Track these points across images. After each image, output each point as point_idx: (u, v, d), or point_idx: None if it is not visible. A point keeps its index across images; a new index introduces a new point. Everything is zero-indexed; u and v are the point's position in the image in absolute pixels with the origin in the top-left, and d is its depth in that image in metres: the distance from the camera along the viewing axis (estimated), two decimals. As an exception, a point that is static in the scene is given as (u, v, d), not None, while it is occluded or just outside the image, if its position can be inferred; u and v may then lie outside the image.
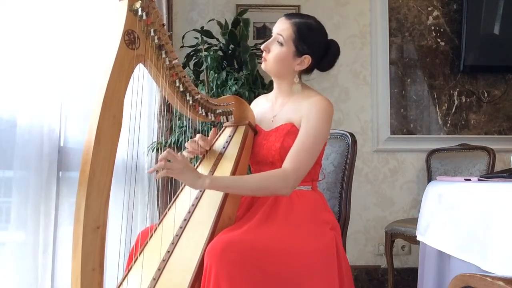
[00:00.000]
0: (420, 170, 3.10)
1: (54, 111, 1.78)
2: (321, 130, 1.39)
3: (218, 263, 1.09)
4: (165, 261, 1.18)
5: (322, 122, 1.39)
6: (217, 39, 2.68)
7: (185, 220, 1.28)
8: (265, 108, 1.58)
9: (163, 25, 1.13)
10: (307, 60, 1.44)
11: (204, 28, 2.64)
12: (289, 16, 1.46)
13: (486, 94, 3.17)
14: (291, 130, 1.42)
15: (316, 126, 1.38)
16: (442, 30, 3.16)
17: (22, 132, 1.64)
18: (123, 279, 1.21)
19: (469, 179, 1.47)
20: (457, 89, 3.16)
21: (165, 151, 1.20)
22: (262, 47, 1.46)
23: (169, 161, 1.19)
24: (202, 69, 2.53)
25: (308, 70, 1.50)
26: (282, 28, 1.43)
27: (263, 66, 1.49)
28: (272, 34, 1.47)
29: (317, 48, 1.46)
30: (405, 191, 3.10)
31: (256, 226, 1.26)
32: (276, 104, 1.54)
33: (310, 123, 1.39)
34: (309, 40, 1.43)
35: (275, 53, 1.43)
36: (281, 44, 1.42)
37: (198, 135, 1.48)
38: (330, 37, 1.50)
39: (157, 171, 1.19)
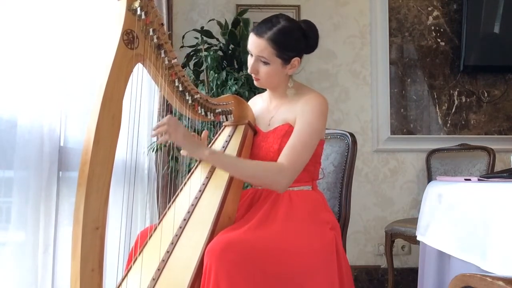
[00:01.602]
0: (420, 170, 3.09)
1: (54, 111, 1.78)
2: (316, 125, 1.39)
3: (217, 263, 1.09)
4: (164, 261, 1.18)
5: (317, 117, 1.39)
6: (217, 39, 2.68)
7: (184, 220, 1.28)
8: (261, 108, 1.58)
9: (162, 24, 1.13)
10: (296, 61, 1.44)
11: (204, 28, 2.64)
12: (258, 32, 1.39)
13: (486, 94, 3.17)
14: (288, 131, 1.42)
15: (310, 121, 1.38)
16: (442, 30, 3.16)
17: (22, 132, 1.64)
18: (123, 279, 1.21)
19: (469, 179, 1.47)
20: (457, 89, 3.15)
21: (167, 116, 1.23)
22: (249, 71, 1.44)
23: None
24: (202, 69, 2.53)
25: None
26: (259, 49, 1.38)
27: (257, 84, 1.48)
28: (249, 52, 1.43)
29: (299, 45, 1.44)
30: (405, 191, 3.10)
31: (256, 226, 1.26)
32: (271, 106, 1.54)
33: (304, 119, 1.39)
34: (290, 45, 1.41)
35: (265, 72, 1.42)
36: (267, 63, 1.40)
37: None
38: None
39: (157, 137, 1.23)
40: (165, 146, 2.30)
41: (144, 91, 2.26)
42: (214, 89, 2.42)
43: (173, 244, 1.22)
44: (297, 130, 1.38)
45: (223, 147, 1.46)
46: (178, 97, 1.29)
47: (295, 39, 1.42)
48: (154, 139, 2.46)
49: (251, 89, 2.42)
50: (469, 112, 3.15)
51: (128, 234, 1.48)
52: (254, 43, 1.40)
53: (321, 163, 1.55)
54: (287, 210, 1.35)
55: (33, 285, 1.65)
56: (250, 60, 1.43)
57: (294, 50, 1.42)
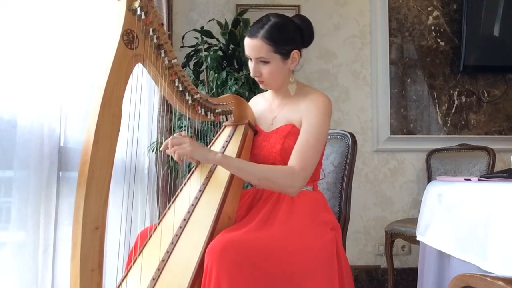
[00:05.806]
0: (420, 170, 3.09)
1: (54, 111, 1.78)
2: (323, 126, 1.39)
3: (218, 263, 1.09)
4: (164, 261, 1.18)
5: (323, 118, 1.40)
6: (217, 39, 2.68)
7: (184, 220, 1.28)
8: (263, 108, 1.58)
9: (162, 24, 1.13)
10: (296, 54, 1.44)
11: (204, 28, 2.64)
12: (251, 34, 1.40)
13: (486, 94, 3.17)
14: (291, 131, 1.42)
15: (317, 123, 1.39)
16: (442, 30, 3.16)
17: (23, 132, 1.64)
18: (123, 279, 1.21)
19: (469, 179, 1.47)
20: (457, 89, 3.15)
21: (170, 138, 1.29)
22: (252, 74, 1.44)
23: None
24: (202, 69, 2.53)
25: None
26: (256, 50, 1.39)
27: (262, 86, 1.49)
28: (248, 57, 1.44)
29: (295, 38, 1.43)
30: (405, 191, 3.10)
31: (257, 226, 1.26)
32: (274, 105, 1.54)
33: (311, 120, 1.39)
34: (285, 38, 1.40)
35: (267, 72, 1.42)
36: (267, 62, 1.40)
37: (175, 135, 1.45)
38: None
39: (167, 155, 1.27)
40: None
41: (144, 91, 2.26)
42: (214, 89, 2.43)
43: (173, 244, 1.22)
44: (305, 133, 1.38)
45: (223, 147, 1.46)
46: (178, 97, 1.29)
47: (289, 32, 1.42)
48: (154, 139, 2.47)
49: (251, 89, 2.42)
50: (469, 112, 3.15)
51: (128, 234, 1.48)
52: (250, 46, 1.41)
53: (322, 163, 1.55)
54: (288, 210, 1.35)
55: (33, 285, 1.65)
56: (251, 65, 1.44)
57: (291, 43, 1.41)
